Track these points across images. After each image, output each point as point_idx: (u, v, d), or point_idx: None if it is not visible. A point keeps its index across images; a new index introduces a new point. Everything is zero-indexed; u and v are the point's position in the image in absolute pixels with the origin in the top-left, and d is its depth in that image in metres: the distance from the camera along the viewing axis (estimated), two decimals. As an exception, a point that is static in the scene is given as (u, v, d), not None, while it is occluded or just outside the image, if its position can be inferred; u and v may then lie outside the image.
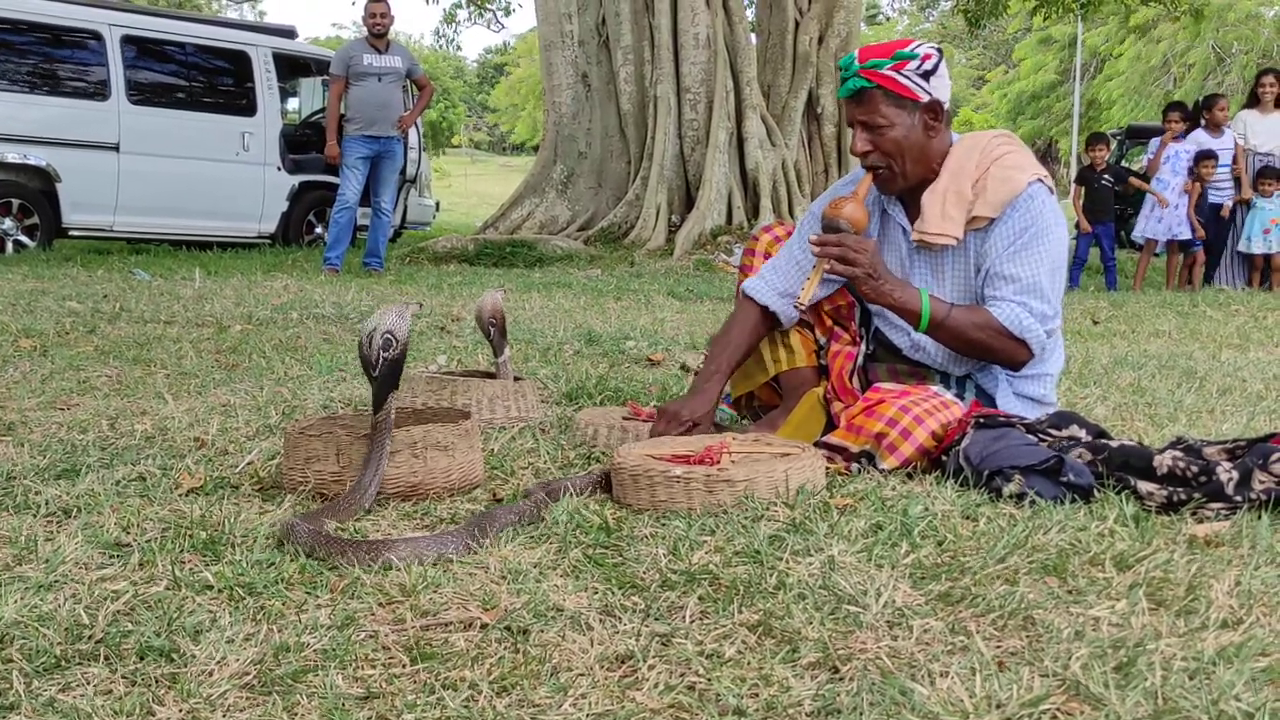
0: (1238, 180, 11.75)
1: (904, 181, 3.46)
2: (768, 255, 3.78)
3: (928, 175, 3.46)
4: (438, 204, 19.47)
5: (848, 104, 3.46)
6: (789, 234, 3.80)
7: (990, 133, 3.55)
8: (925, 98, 3.38)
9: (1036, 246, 3.34)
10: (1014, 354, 3.38)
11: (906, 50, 3.37)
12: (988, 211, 3.36)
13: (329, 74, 11.43)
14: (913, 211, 3.53)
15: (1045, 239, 3.34)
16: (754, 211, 14.61)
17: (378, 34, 11.03)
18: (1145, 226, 12.03)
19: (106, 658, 1.89)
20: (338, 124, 11.07)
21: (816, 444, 3.28)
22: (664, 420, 3.50)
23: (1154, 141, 12.36)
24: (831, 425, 3.46)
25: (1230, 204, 11.72)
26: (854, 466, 3.21)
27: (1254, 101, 12.08)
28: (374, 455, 2.91)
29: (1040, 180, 3.38)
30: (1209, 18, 37.30)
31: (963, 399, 3.43)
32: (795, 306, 3.49)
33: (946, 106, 3.47)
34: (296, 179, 14.53)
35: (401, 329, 2.96)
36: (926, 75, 3.37)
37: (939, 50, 3.45)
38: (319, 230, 14.91)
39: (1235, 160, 11.73)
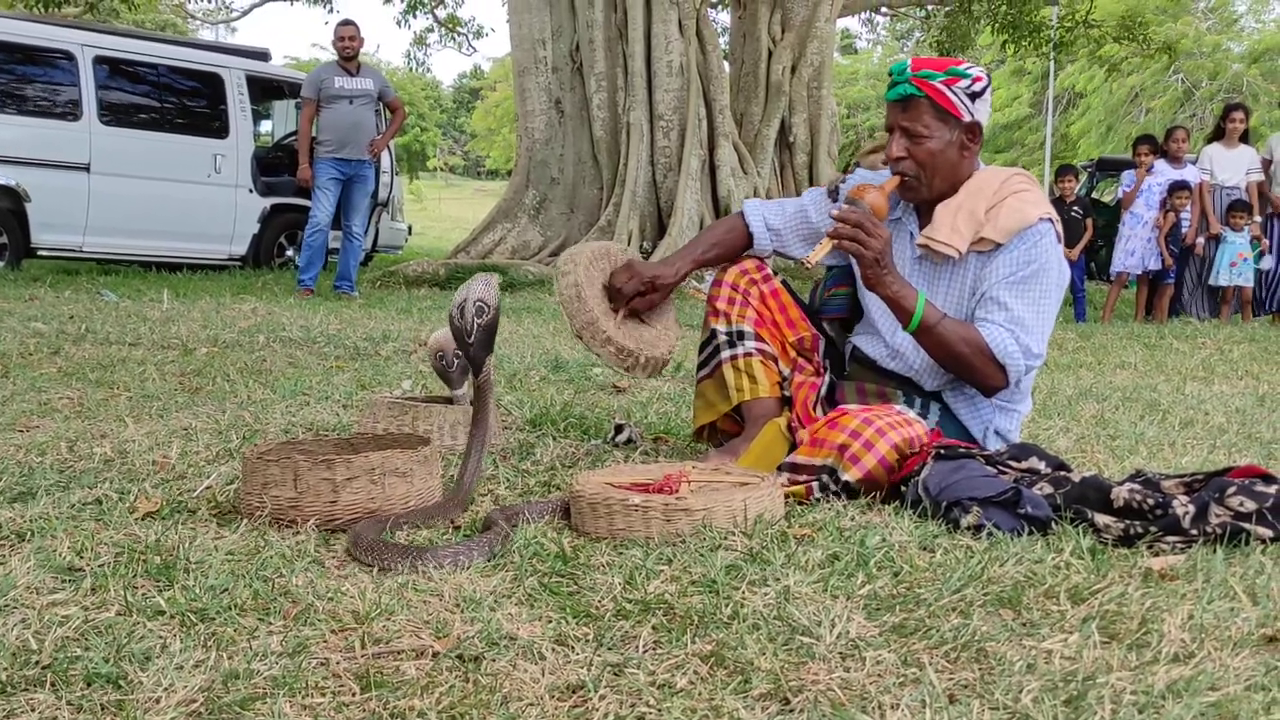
0: (1203, 215, 11.82)
1: (928, 193, 3.53)
2: (734, 286, 3.78)
3: (949, 193, 3.53)
4: (410, 227, 19.46)
5: (891, 108, 3.53)
6: (758, 268, 3.82)
7: (1013, 169, 3.64)
8: (968, 117, 3.46)
9: (1035, 284, 3.39)
10: (991, 377, 3.41)
11: (960, 68, 3.45)
12: (996, 236, 3.42)
13: (300, 97, 11.44)
14: (924, 222, 3.60)
15: (1044, 279, 3.39)
16: (726, 239, 14.62)
17: (347, 56, 11.07)
18: (1119, 261, 12.10)
19: (53, 684, 1.87)
20: (309, 147, 11.08)
21: (780, 467, 3.31)
22: (626, 272, 3.75)
23: (1126, 175, 12.42)
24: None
25: (1203, 241, 11.79)
26: (815, 485, 3.22)
27: (1218, 135, 12.17)
28: (479, 424, 3.21)
29: (1051, 220, 3.43)
30: (1180, 53, 37.67)
31: (925, 419, 3.46)
32: (803, 262, 3.61)
33: (984, 132, 3.56)
34: (268, 201, 14.48)
35: (491, 296, 3.15)
36: (974, 96, 3.46)
37: (989, 76, 3.53)
38: (290, 253, 14.88)
39: (1200, 195, 11.80)
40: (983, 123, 3.52)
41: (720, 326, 3.75)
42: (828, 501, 3.18)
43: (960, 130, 3.48)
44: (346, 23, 11.19)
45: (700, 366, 3.82)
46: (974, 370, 3.41)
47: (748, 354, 3.70)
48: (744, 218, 3.89)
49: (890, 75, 3.56)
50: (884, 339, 3.63)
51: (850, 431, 3.22)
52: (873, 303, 3.64)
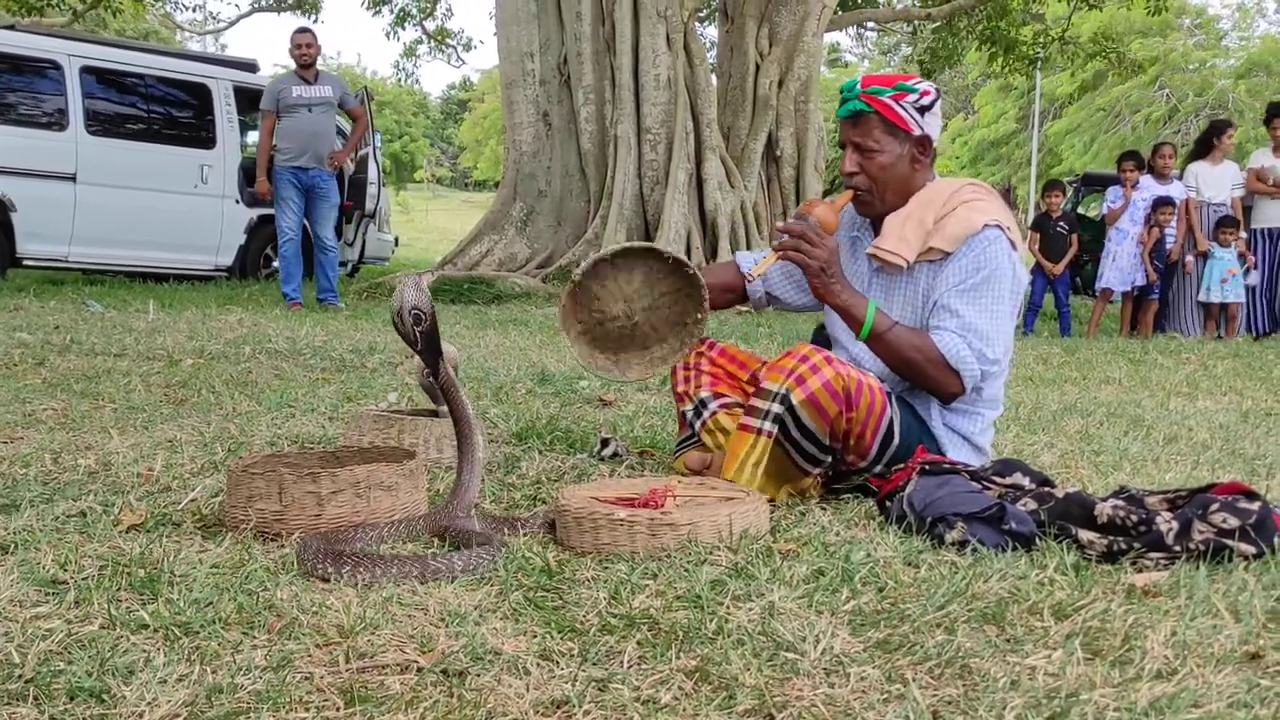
0: (1190, 232, 11.85)
1: (881, 206, 3.61)
2: (686, 366, 3.91)
3: (904, 205, 3.59)
4: (397, 239, 19.43)
5: (843, 124, 3.61)
6: (701, 341, 3.93)
7: (966, 179, 3.70)
8: (917, 131, 3.54)
9: (986, 290, 3.42)
10: (945, 383, 3.45)
11: (908, 83, 3.53)
12: (943, 245, 3.46)
13: (260, 109, 11.42)
14: (879, 234, 3.64)
15: (996, 285, 3.42)
16: (712, 252, 14.66)
17: (304, 64, 11.06)
18: (1106, 277, 12.12)
19: (36, 698, 1.86)
20: (268, 160, 11.08)
21: (745, 410, 3.42)
22: None
23: (1111, 190, 12.44)
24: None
25: (1191, 259, 11.82)
26: (766, 425, 3.32)
27: (1203, 152, 12.19)
28: (460, 429, 3.16)
29: (999, 226, 3.45)
30: (1170, 66, 37.87)
31: None
32: (746, 276, 3.78)
33: (935, 145, 3.62)
34: (254, 212, 14.44)
35: (424, 302, 3.13)
36: (922, 110, 3.53)
37: (937, 90, 3.61)
38: (276, 264, 14.85)
39: (1186, 212, 11.83)
40: (933, 136, 3.59)
41: (686, 408, 3.88)
42: (781, 420, 3.30)
43: (911, 144, 3.55)
44: (303, 30, 11.20)
45: (685, 444, 3.92)
46: (928, 377, 3.45)
47: (713, 414, 3.81)
48: (736, 261, 4.02)
49: (841, 93, 3.63)
50: (845, 348, 3.68)
51: (800, 357, 3.35)
52: (831, 313, 3.69)
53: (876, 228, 3.67)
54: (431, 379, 3.27)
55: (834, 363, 3.33)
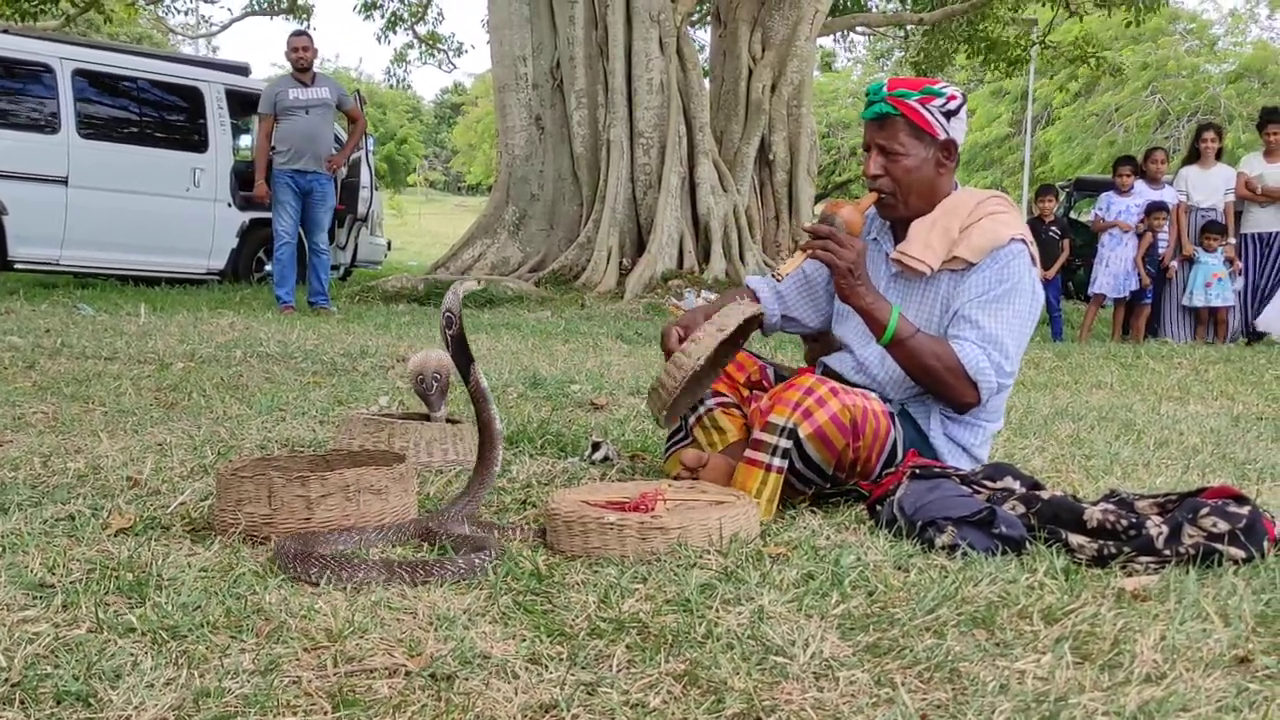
0: (1178, 238, 11.85)
1: (904, 210, 3.60)
2: None
3: (926, 211, 3.58)
4: (389, 243, 19.41)
5: (869, 126, 3.60)
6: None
7: (991, 191, 3.69)
8: (943, 135, 3.53)
9: (1008, 303, 3.43)
10: (962, 393, 3.43)
11: (935, 87, 3.53)
12: (968, 255, 3.46)
13: (257, 112, 11.41)
14: (899, 240, 3.64)
15: (1017, 298, 3.43)
16: (705, 256, 14.67)
17: (301, 67, 11.05)
18: (1098, 282, 12.13)
19: (22, 702, 1.86)
20: (266, 163, 11.07)
21: (750, 443, 3.38)
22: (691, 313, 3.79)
23: (1103, 196, 12.45)
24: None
25: (1175, 264, 11.83)
26: (774, 461, 3.28)
27: (1194, 157, 12.20)
28: (486, 433, 3.19)
29: (1023, 241, 3.47)
30: (1159, 71, 37.93)
31: None
32: (773, 276, 3.64)
33: (959, 150, 3.61)
34: (247, 216, 14.43)
35: (456, 305, 3.18)
36: (948, 115, 3.53)
37: (963, 95, 3.61)
38: (268, 268, 14.85)
39: (1177, 217, 11.84)
40: (958, 140, 3.58)
41: None
42: (794, 493, 3.28)
43: (936, 148, 3.54)
44: (299, 33, 11.20)
45: (676, 442, 3.91)
46: (946, 385, 3.44)
47: (709, 410, 3.81)
48: (750, 287, 3.96)
49: (867, 95, 3.62)
50: (853, 354, 3.66)
51: (805, 389, 3.32)
52: (847, 314, 3.68)
53: (896, 231, 3.68)
54: (463, 384, 3.28)
55: (840, 393, 3.32)
